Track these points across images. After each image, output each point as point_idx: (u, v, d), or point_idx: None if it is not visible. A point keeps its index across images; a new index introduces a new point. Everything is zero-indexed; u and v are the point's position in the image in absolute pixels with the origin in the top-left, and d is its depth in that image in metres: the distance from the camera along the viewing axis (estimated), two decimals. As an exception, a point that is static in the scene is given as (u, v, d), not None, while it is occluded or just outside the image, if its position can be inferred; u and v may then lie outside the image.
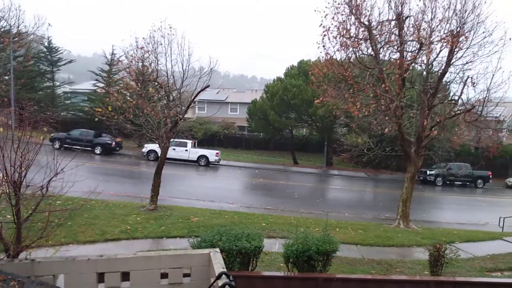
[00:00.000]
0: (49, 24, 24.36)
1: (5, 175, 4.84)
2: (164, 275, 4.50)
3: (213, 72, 13.23)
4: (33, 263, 4.11)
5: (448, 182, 30.20)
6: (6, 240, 4.84)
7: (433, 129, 14.32)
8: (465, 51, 13.22)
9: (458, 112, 14.28)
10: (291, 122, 34.69)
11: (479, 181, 30.66)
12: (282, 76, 35.16)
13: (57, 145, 27.95)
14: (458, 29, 12.84)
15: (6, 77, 22.67)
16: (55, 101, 38.59)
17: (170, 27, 12.78)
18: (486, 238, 12.94)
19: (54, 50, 38.84)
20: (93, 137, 29.59)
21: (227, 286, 3.65)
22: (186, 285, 4.52)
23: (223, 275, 3.86)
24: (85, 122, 33.81)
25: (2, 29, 17.81)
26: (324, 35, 13.28)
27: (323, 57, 14.25)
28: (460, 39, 12.77)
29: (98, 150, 29.36)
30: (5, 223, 5.02)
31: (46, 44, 37.82)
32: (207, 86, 13.32)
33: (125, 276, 4.38)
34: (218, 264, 4.25)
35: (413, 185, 15.25)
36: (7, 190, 4.84)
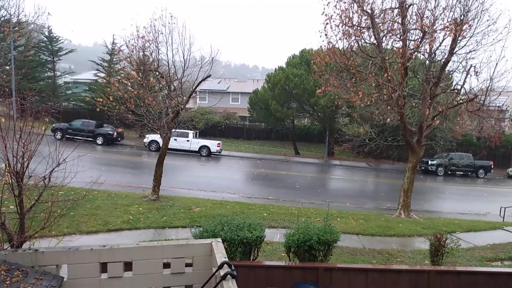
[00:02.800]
0: (49, 13, 24.32)
1: (7, 165, 4.85)
2: (166, 265, 4.53)
3: (214, 61, 13.17)
4: (37, 253, 4.14)
5: (449, 172, 30.17)
6: (9, 231, 4.86)
7: (435, 118, 14.25)
8: (469, 39, 13.11)
9: (461, 101, 14.21)
10: (292, 112, 34.51)
11: (480, 171, 30.61)
12: (284, 66, 34.86)
13: (59, 136, 27.99)
14: (462, 17, 12.69)
15: (7, 67, 22.58)
16: (56, 91, 38.47)
17: (171, 16, 12.70)
18: (487, 228, 12.95)
19: (55, 39, 38.57)
20: (94, 127, 29.65)
21: (228, 275, 3.68)
22: (188, 274, 4.56)
23: (225, 265, 3.88)
24: (87, 113, 33.77)
25: (2, 19, 17.67)
26: (326, 24, 13.14)
27: (325, 46, 14.11)
28: (464, 27, 12.62)
29: (99, 141, 29.45)
30: (8, 213, 5.04)
31: (46, 33, 37.58)
32: (208, 76, 13.25)
33: (128, 265, 4.41)
34: (220, 254, 4.27)
35: (415, 175, 15.25)
36: (10, 181, 4.86)
